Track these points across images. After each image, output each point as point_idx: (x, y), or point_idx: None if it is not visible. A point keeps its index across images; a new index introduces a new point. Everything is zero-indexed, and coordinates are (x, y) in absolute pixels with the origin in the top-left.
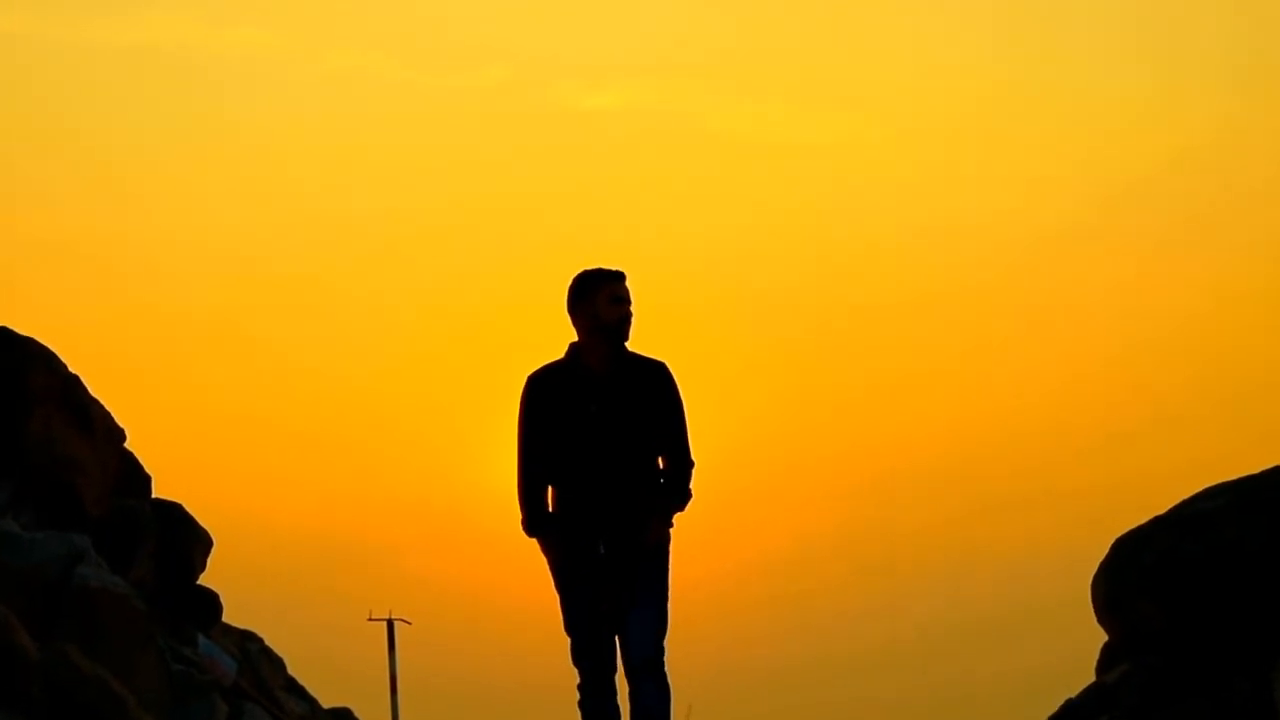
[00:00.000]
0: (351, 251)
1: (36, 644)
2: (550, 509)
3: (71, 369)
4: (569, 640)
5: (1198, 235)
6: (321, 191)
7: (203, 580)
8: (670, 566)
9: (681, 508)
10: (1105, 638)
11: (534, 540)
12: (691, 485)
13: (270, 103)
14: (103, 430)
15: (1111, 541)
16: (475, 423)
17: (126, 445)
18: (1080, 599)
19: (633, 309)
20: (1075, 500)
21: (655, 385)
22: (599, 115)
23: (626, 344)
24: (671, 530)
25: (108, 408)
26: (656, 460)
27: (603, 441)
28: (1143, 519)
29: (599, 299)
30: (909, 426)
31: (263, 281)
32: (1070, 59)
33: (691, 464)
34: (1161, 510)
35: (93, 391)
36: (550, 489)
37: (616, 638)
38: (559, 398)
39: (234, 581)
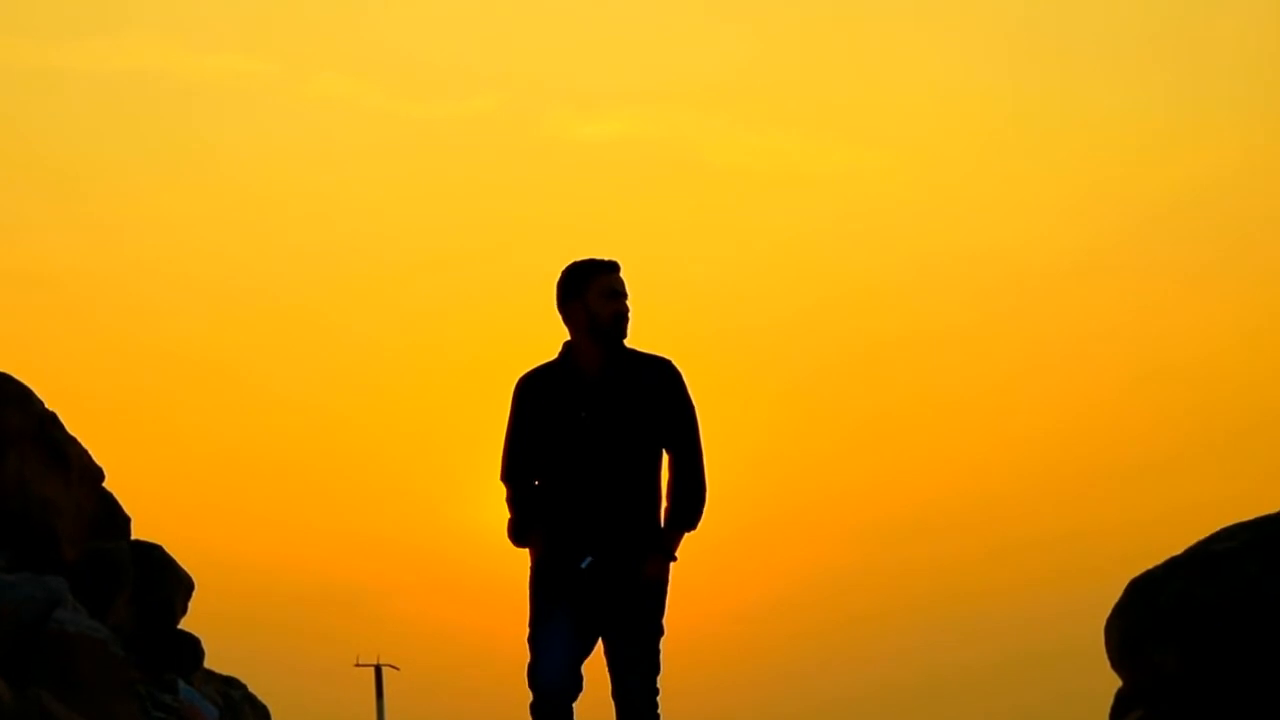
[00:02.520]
0: (337, 287)
1: (11, 690)
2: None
3: (48, 406)
4: (529, 657)
5: (1215, 267)
6: (308, 224)
7: (184, 624)
8: (667, 604)
9: (691, 526)
10: (1119, 684)
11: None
12: (704, 497)
13: (256, 131)
14: (80, 469)
15: (1126, 583)
16: (464, 466)
17: (105, 485)
18: (1093, 643)
19: (629, 303)
20: (1088, 541)
21: (658, 384)
22: (593, 144)
23: (625, 342)
24: (672, 565)
25: (85, 446)
26: (658, 473)
27: (594, 451)
28: (1158, 560)
29: (591, 293)
30: (916, 465)
31: (247, 316)
32: (1087, 88)
33: (702, 473)
34: (1177, 551)
35: (70, 429)
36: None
37: (612, 669)
38: (548, 402)
39: (216, 626)
